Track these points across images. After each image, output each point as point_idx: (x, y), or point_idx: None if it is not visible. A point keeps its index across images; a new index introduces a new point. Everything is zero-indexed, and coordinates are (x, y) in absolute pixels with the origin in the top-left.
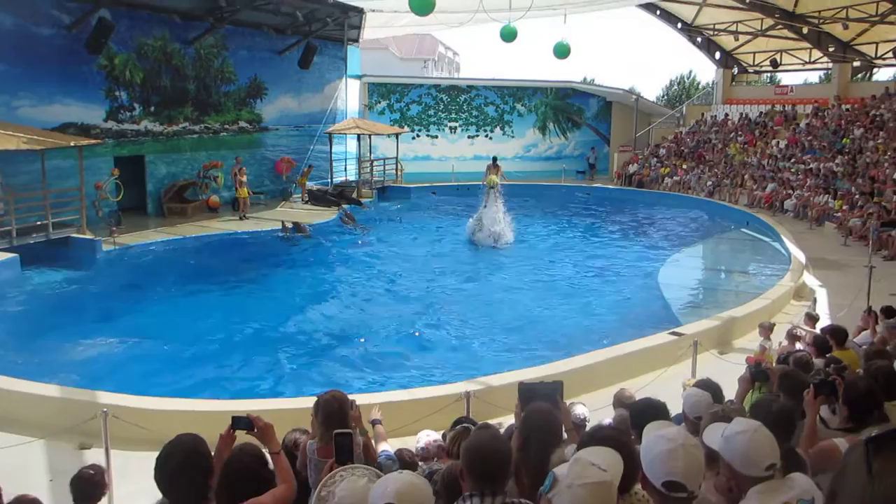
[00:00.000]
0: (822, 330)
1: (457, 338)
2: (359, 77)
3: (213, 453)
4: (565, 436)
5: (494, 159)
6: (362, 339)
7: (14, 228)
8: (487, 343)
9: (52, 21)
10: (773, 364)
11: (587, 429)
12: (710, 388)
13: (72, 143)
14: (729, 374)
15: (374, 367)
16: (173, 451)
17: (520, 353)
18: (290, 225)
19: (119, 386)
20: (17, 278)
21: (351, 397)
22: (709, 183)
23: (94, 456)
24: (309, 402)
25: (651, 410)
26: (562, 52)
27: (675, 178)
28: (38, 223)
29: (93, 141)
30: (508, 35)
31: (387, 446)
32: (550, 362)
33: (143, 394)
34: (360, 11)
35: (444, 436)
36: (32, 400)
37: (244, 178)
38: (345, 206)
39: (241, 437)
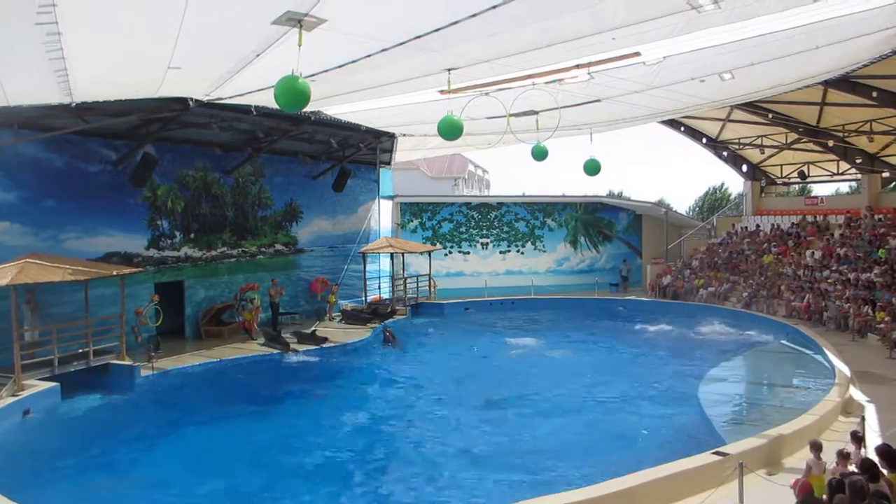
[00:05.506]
0: (875, 449)
1: (493, 458)
2: (391, 197)
3: None
4: None
5: None
6: (394, 463)
7: (56, 357)
8: (522, 463)
9: (99, 158)
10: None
11: None
12: None
13: (115, 273)
14: (779, 497)
15: (409, 491)
16: None
17: (556, 474)
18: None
19: None
20: (56, 407)
21: None
22: (745, 294)
23: None
24: None
25: None
26: (593, 169)
27: (709, 289)
28: (80, 351)
29: (135, 269)
30: (540, 154)
31: None
32: (589, 485)
33: None
34: (391, 136)
35: None
36: None
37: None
38: (384, 323)
39: None
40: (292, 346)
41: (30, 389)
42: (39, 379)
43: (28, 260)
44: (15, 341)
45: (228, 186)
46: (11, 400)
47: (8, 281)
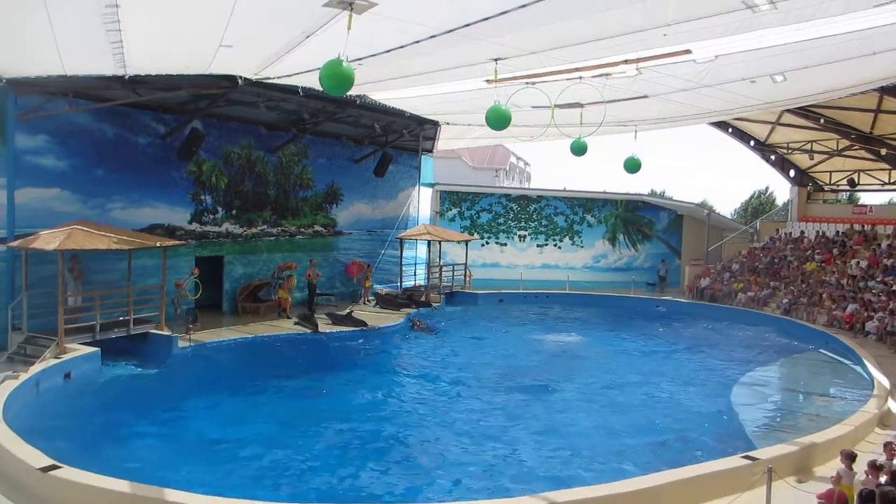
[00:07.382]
0: None
1: (515, 450)
2: (431, 185)
3: None
4: None
5: None
6: (420, 446)
7: (98, 323)
8: (545, 457)
9: (149, 131)
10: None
11: None
12: None
13: (157, 244)
14: None
15: (430, 475)
16: None
17: (581, 469)
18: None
19: (188, 483)
20: (96, 371)
21: None
22: (785, 300)
23: None
24: None
25: None
26: (632, 167)
27: (748, 293)
28: (121, 318)
29: (177, 242)
30: (579, 149)
31: None
32: (614, 481)
33: (209, 492)
34: (435, 124)
35: None
36: (103, 495)
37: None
38: (412, 310)
39: None
40: (325, 327)
41: (71, 353)
42: (81, 343)
43: (76, 227)
44: (60, 305)
45: (272, 165)
46: (54, 362)
47: (56, 246)
